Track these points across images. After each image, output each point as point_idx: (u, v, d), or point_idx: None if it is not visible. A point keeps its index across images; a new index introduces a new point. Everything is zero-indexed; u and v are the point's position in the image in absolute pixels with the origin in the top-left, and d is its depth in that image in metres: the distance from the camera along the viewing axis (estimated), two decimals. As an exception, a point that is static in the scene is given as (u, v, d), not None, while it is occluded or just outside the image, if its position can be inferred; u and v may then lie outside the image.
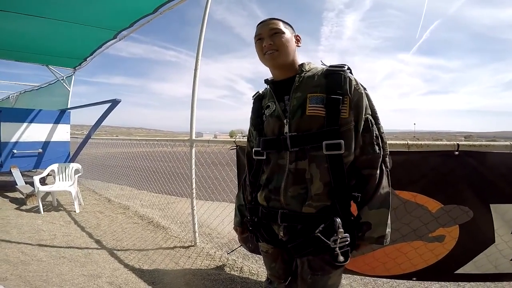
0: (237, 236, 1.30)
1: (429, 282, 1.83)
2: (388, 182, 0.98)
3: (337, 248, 0.89)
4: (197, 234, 2.71)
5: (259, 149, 1.06)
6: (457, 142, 1.42)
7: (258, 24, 1.07)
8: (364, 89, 0.98)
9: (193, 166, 2.66)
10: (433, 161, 1.43)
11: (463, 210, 1.43)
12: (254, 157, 1.09)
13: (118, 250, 2.57)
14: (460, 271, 1.49)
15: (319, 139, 0.92)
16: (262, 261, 2.22)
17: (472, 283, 1.80)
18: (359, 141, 0.95)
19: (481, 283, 1.78)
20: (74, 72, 5.94)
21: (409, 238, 1.54)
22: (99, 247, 2.63)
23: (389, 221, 0.96)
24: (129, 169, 4.76)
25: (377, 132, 0.97)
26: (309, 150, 0.94)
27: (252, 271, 2.10)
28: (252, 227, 1.11)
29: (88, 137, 4.93)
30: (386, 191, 0.96)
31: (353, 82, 0.97)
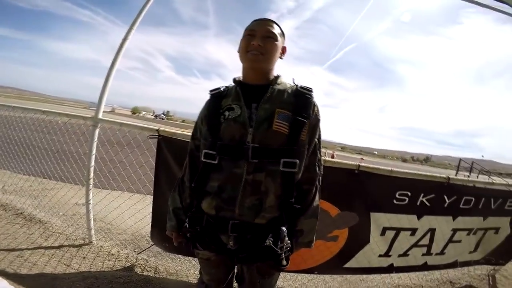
0: (145, 233, 1.27)
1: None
2: (319, 196, 1.16)
3: (282, 254, 1.01)
4: (92, 230, 2.43)
5: (213, 152, 1.04)
6: (359, 163, 1.92)
7: (256, 20, 1.09)
8: None
9: (94, 151, 2.34)
10: (339, 175, 1.85)
11: (352, 216, 1.95)
12: (202, 159, 1.07)
13: None
14: (347, 265, 2.05)
15: (279, 155, 1.00)
16: (179, 260, 2.28)
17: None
18: (306, 161, 1.08)
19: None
20: None
21: (314, 238, 1.97)
22: None
23: (316, 228, 1.15)
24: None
25: (319, 155, 1.14)
26: (267, 164, 1.00)
27: (170, 271, 2.13)
28: (192, 236, 1.09)
29: None
30: (317, 204, 1.15)
31: (316, 109, 1.09)
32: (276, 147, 1.00)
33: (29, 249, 2.18)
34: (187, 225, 1.09)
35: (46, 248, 2.24)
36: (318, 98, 1.11)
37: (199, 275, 1.30)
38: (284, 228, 1.01)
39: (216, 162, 1.03)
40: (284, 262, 1.02)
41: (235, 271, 1.26)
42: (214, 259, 1.14)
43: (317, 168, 1.12)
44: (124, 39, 2.30)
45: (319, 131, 1.12)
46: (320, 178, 1.16)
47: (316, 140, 1.11)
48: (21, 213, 2.79)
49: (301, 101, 1.06)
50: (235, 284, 1.26)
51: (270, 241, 0.97)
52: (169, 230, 1.21)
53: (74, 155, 2.80)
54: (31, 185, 3.39)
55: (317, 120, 1.09)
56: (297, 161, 1.01)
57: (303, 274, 2.24)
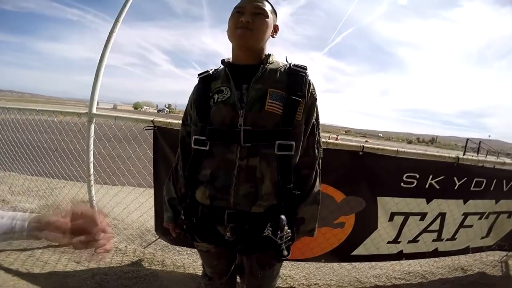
0: (150, 226, 1.26)
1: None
2: (320, 181, 1.12)
3: (283, 244, 0.98)
4: (99, 226, 2.47)
5: (203, 138, 1.00)
6: (362, 144, 1.86)
7: None
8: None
9: (91, 147, 2.34)
10: (342, 158, 1.81)
11: (359, 200, 1.90)
12: (193, 146, 1.04)
13: None
14: (355, 252, 2.04)
15: (273, 137, 0.96)
16: (186, 252, 2.32)
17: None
18: (303, 143, 1.04)
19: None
20: None
21: (319, 225, 1.95)
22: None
23: (318, 216, 1.11)
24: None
25: (318, 137, 1.09)
26: (261, 147, 0.96)
27: (177, 264, 2.18)
28: (188, 228, 1.07)
29: None
30: (318, 190, 1.11)
31: (311, 87, 1.04)
32: (269, 129, 0.96)
33: (39, 248, 2.25)
34: (182, 216, 1.07)
35: (56, 246, 2.31)
36: (319, 83, 1.06)
37: (202, 268, 1.31)
38: (283, 217, 0.97)
39: (207, 148, 0.99)
40: (285, 252, 1.00)
41: (236, 262, 1.26)
42: (214, 251, 1.13)
43: (316, 151, 1.08)
44: (111, 32, 2.27)
45: (317, 111, 1.07)
46: (320, 161, 1.12)
47: (314, 120, 1.06)
48: (31, 213, 2.86)
49: (295, 80, 1.01)
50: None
51: (269, 231, 0.95)
52: (166, 221, 1.19)
53: (73, 152, 2.83)
54: (38, 185, 3.47)
55: (313, 99, 1.04)
56: (293, 143, 0.97)
57: (310, 263, 2.25)
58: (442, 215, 2.06)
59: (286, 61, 1.09)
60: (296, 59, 1.12)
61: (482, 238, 2.31)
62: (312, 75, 1.06)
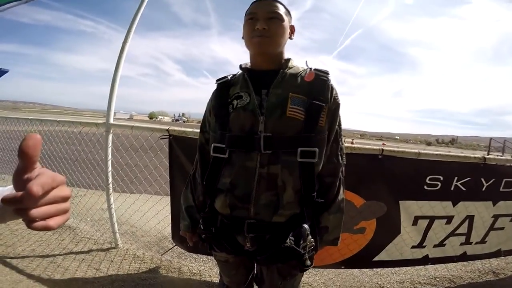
0: (167, 233, 1.25)
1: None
2: (343, 189, 1.10)
3: (306, 254, 0.95)
4: (117, 234, 2.57)
5: (222, 145, 0.99)
6: (381, 147, 1.85)
7: (255, 1, 1.01)
8: None
9: (109, 156, 2.45)
10: (361, 162, 1.78)
11: (380, 205, 1.87)
12: (212, 154, 1.03)
13: (12, 258, 2.25)
14: (376, 258, 1.99)
15: (295, 144, 0.94)
16: (202, 259, 2.33)
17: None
18: (327, 150, 1.02)
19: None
20: None
21: (340, 231, 1.92)
22: (-20, 257, 2.20)
23: (342, 224, 1.10)
24: (12, 153, 3.89)
25: (341, 144, 1.07)
26: (282, 154, 0.94)
27: (193, 271, 2.21)
28: (207, 238, 1.06)
29: None
30: (342, 198, 1.09)
31: (334, 92, 1.01)
32: (291, 135, 0.94)
33: (61, 255, 2.35)
34: (201, 226, 1.07)
35: (76, 253, 2.40)
36: None
37: (219, 277, 1.30)
38: (306, 226, 0.95)
39: (226, 156, 0.98)
40: (308, 262, 0.97)
41: (255, 271, 1.23)
42: (233, 261, 1.11)
43: (340, 158, 1.06)
44: (124, 42, 2.39)
45: (339, 117, 1.05)
46: (343, 169, 1.09)
47: (337, 127, 1.04)
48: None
49: (316, 84, 0.98)
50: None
51: (291, 241, 0.93)
52: (183, 230, 1.19)
53: (92, 162, 2.94)
54: (59, 193, 3.61)
55: (336, 104, 1.02)
56: (317, 150, 0.94)
57: (329, 269, 2.21)
58: (470, 218, 1.98)
59: (306, 65, 1.07)
60: (304, 63, 1.12)
61: (515, 240, 2.20)
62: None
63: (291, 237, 0.93)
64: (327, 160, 1.02)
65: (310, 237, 0.96)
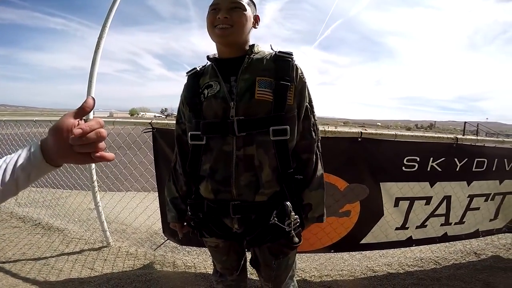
0: (158, 228, 1.30)
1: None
2: (322, 165, 1.17)
3: (292, 231, 1.03)
4: (107, 232, 2.64)
5: (198, 133, 1.06)
6: (361, 130, 1.95)
7: None
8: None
9: None
10: (342, 145, 1.90)
11: (362, 187, 1.99)
12: (190, 142, 1.10)
13: (4, 262, 2.31)
14: (363, 241, 2.13)
15: (267, 124, 1.01)
16: (195, 252, 2.44)
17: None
18: (299, 127, 1.09)
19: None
20: None
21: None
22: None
23: (325, 200, 1.16)
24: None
25: (313, 120, 1.14)
26: (256, 135, 1.02)
27: (188, 264, 2.31)
28: (196, 224, 1.15)
29: None
30: (321, 173, 1.16)
31: (299, 71, 1.09)
32: (262, 116, 1.02)
33: (53, 257, 2.41)
34: (189, 213, 1.15)
35: (68, 254, 2.47)
36: (313, 76, 1.12)
37: (213, 266, 1.39)
38: (288, 203, 1.03)
39: (203, 142, 1.06)
40: (296, 239, 1.05)
41: (246, 256, 1.34)
42: (223, 246, 1.20)
43: (314, 134, 1.13)
44: (100, 37, 2.40)
45: (309, 94, 1.13)
46: (319, 144, 1.18)
47: (307, 104, 1.12)
48: (39, 223, 3.06)
49: (282, 66, 1.06)
50: (251, 270, 1.31)
51: (275, 219, 1.01)
52: (170, 221, 1.26)
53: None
54: (44, 196, 3.65)
55: (302, 83, 1.10)
56: (288, 127, 1.02)
57: (320, 254, 2.35)
58: (448, 198, 2.14)
59: (271, 49, 1.13)
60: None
61: (491, 220, 2.38)
62: (306, 69, 1.14)
63: (274, 215, 1.01)
64: (301, 137, 1.10)
65: (293, 213, 1.04)
